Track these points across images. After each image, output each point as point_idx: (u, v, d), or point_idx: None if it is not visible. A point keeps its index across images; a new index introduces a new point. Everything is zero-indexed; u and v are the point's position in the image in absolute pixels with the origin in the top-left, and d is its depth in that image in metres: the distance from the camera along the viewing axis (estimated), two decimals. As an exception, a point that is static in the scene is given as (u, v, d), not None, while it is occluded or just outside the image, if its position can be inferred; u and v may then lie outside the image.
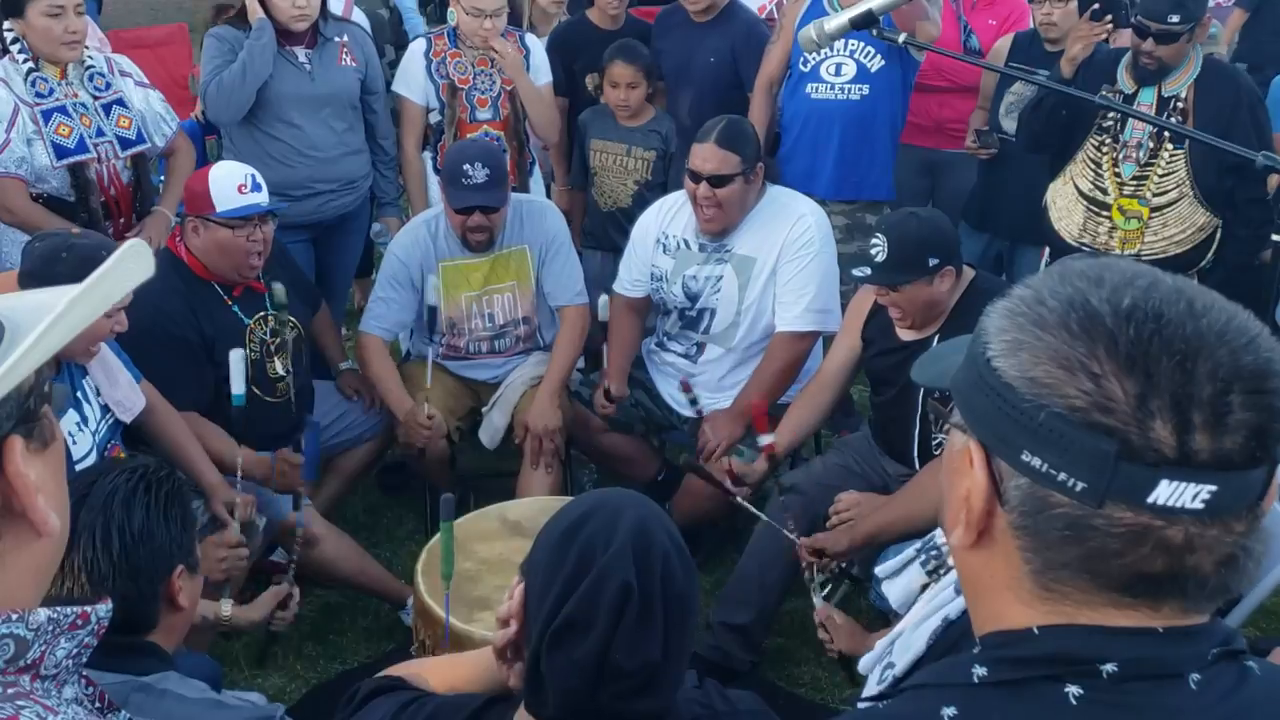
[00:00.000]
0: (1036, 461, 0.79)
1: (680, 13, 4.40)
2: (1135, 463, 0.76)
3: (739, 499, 3.08)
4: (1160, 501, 0.76)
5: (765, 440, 2.95)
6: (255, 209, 3.13)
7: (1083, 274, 0.83)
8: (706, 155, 3.33)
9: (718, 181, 3.33)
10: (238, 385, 3.01)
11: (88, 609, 0.82)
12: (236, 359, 3.02)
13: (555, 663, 1.28)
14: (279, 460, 3.17)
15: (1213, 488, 0.76)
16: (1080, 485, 0.77)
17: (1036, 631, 0.83)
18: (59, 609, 0.79)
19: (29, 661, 0.77)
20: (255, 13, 3.67)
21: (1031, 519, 0.81)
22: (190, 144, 3.76)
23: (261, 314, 3.29)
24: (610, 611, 1.27)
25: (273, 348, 3.31)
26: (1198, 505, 0.76)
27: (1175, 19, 3.41)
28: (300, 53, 3.79)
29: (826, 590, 2.72)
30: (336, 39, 3.87)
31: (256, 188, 3.15)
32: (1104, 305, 0.79)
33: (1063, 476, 0.78)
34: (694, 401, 3.31)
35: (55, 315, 0.74)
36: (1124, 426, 0.76)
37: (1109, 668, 0.80)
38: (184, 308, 3.13)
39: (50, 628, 0.78)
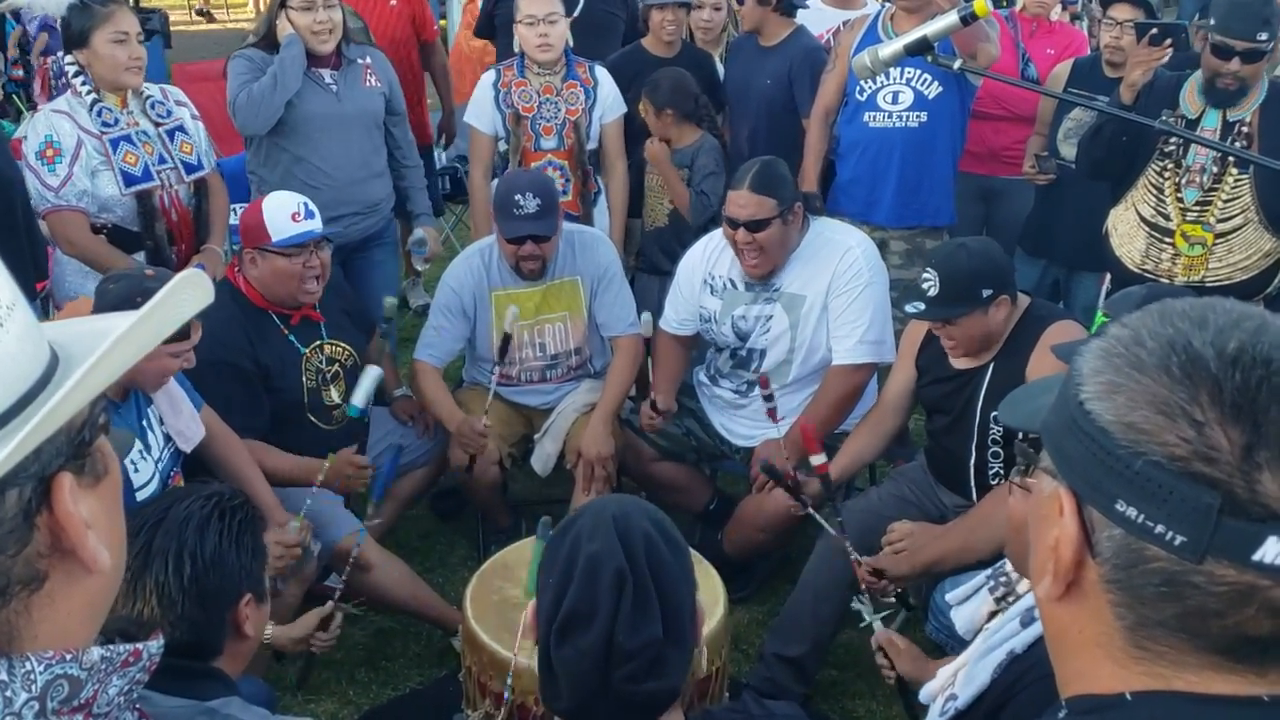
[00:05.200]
0: (1132, 512, 0.74)
1: (752, 38, 4.42)
2: (1240, 518, 0.71)
3: (809, 509, 3.04)
4: (1267, 560, 0.71)
5: (817, 461, 2.90)
6: (310, 235, 3.18)
7: (1185, 314, 0.78)
8: (742, 202, 3.32)
9: (755, 226, 3.32)
10: (359, 399, 3.20)
11: (139, 646, 0.80)
12: (370, 375, 3.22)
13: (564, 654, 1.35)
14: (341, 461, 3.17)
15: None
16: (1179, 539, 0.73)
17: (1129, 698, 0.78)
18: (111, 648, 0.78)
19: (82, 701, 0.75)
20: (285, 29, 3.77)
21: (1125, 573, 0.76)
22: (223, 182, 3.84)
23: (317, 343, 3.34)
24: (609, 598, 1.33)
25: (329, 376, 3.35)
26: None
27: (1264, 37, 3.34)
28: (326, 74, 3.86)
29: (883, 615, 2.67)
30: (360, 60, 3.95)
31: (310, 215, 3.20)
32: (1208, 348, 0.75)
33: (1160, 529, 0.73)
34: (769, 398, 3.24)
35: (100, 354, 0.73)
36: (1228, 478, 0.71)
37: None
38: (242, 337, 3.18)
39: (103, 666, 0.77)
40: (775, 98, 4.32)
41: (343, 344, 3.38)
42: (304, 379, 3.29)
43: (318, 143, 3.84)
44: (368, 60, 3.97)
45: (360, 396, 3.20)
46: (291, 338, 3.29)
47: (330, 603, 2.79)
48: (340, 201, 3.87)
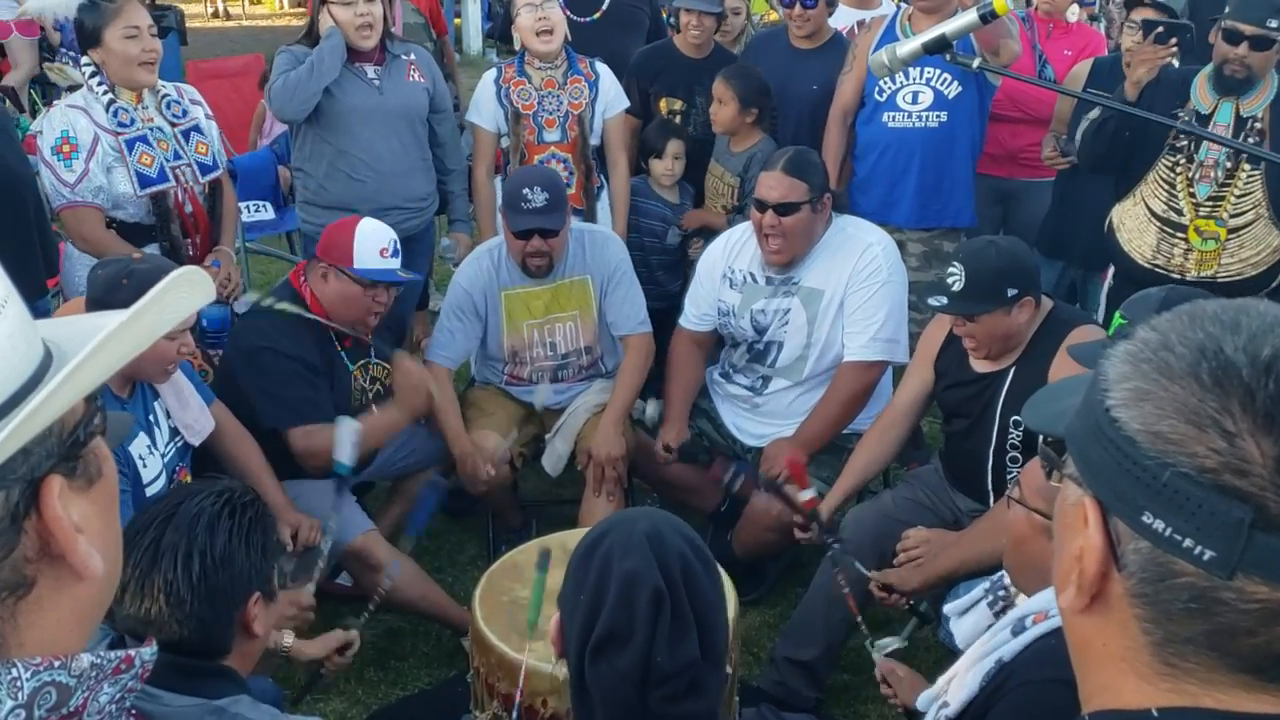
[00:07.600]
0: (1159, 524, 0.72)
1: (781, 38, 4.37)
2: (1272, 532, 0.68)
3: (812, 530, 3.00)
4: None
5: (806, 495, 2.87)
6: (390, 276, 3.19)
7: (1215, 318, 0.75)
8: (773, 183, 3.30)
9: (784, 210, 3.30)
10: (345, 455, 2.95)
11: (131, 653, 0.78)
12: (347, 427, 2.96)
13: (600, 674, 1.31)
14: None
15: None
16: (1208, 554, 0.70)
17: (1156, 714, 0.75)
18: (102, 654, 0.76)
19: (72, 709, 0.73)
20: (326, 22, 3.79)
21: (1152, 587, 0.73)
22: (231, 184, 3.85)
23: (363, 362, 3.35)
24: (647, 618, 1.30)
25: (371, 396, 3.34)
26: None
27: (1274, 24, 3.32)
28: (369, 69, 3.87)
29: (887, 645, 2.64)
30: (404, 57, 3.96)
31: (396, 253, 3.22)
32: (1240, 355, 0.71)
33: (1189, 543, 0.71)
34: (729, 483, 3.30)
35: (87, 352, 0.71)
36: (1260, 492, 0.68)
37: None
38: (311, 339, 3.21)
39: (94, 673, 0.75)
40: (823, 103, 4.24)
41: (385, 364, 3.37)
42: (350, 395, 3.29)
43: (358, 134, 3.84)
44: (412, 57, 3.98)
45: (346, 452, 2.94)
46: (342, 353, 3.31)
47: (354, 629, 2.76)
48: (384, 193, 3.87)
